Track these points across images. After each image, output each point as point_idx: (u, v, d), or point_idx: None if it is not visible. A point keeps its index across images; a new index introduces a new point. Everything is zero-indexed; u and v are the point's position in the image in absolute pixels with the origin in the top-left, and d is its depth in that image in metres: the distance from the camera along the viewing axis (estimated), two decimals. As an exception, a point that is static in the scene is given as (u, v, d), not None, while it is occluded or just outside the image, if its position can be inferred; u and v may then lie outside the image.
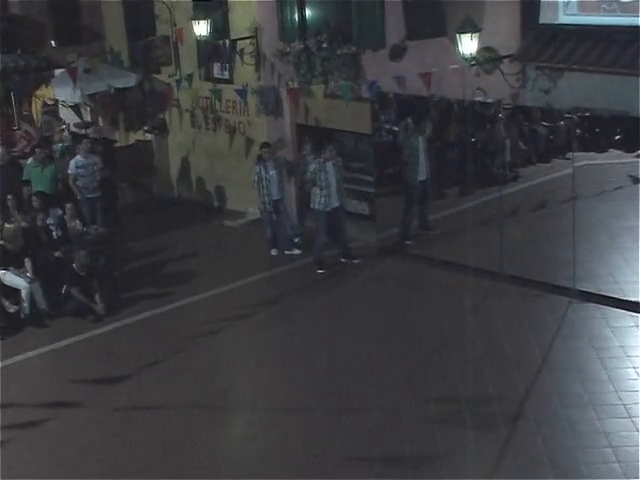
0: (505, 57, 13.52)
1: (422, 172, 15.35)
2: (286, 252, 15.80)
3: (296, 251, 15.77)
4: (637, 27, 12.67)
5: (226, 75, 17.42)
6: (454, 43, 13.59)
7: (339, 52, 15.19)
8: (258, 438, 10.61)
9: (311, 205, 14.95)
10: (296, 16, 16.20)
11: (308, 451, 10.17)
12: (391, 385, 11.37)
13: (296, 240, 15.80)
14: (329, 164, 14.66)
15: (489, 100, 14.79)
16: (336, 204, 14.82)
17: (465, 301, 13.41)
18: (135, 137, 19.58)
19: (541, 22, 13.43)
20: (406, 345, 12.39)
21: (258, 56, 16.65)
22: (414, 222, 15.79)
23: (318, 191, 14.69)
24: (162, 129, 19.06)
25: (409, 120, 15.60)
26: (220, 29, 17.11)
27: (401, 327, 12.94)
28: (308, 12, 16.26)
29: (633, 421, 10.18)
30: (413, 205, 15.60)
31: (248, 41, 16.65)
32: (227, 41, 16.77)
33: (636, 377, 11.09)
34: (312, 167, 14.77)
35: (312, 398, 11.25)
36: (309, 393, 11.40)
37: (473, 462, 9.76)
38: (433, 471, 9.66)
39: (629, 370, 11.29)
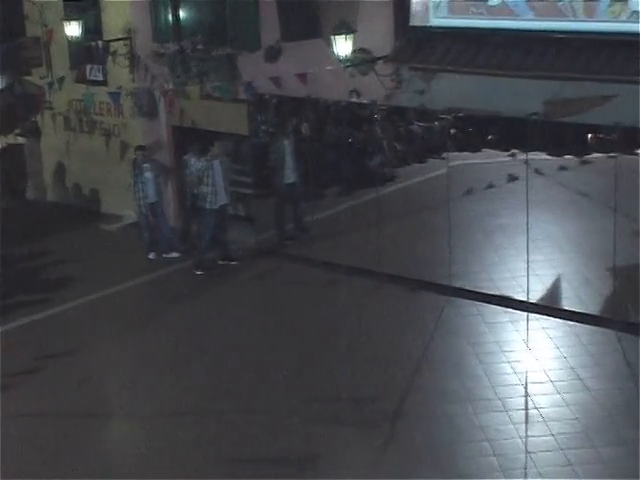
0: (379, 58, 13.66)
1: (289, 175, 15.45)
2: (164, 255, 15.66)
3: (174, 254, 15.65)
4: (505, 30, 12.97)
5: (100, 77, 17.15)
6: (329, 44, 13.67)
7: (214, 53, 15.12)
8: (141, 443, 10.48)
9: (199, 204, 14.92)
10: (170, 17, 16.05)
11: (193, 454, 10.08)
12: (274, 386, 11.37)
13: (179, 243, 15.72)
14: (216, 162, 14.78)
15: (365, 101, 14.89)
16: (224, 202, 14.92)
17: (345, 300, 13.51)
18: (6, 141, 19.09)
19: (412, 24, 13.61)
20: (288, 346, 12.41)
21: (132, 58, 16.43)
22: (288, 223, 15.86)
23: (205, 189, 14.72)
24: (34, 132, 18.63)
25: (276, 122, 15.71)
26: (93, 30, 16.83)
27: (282, 328, 12.95)
28: (182, 13, 16.11)
29: (509, 415, 10.41)
30: (282, 207, 15.70)
31: (122, 42, 16.42)
32: (100, 42, 16.49)
33: (511, 372, 11.35)
34: (199, 165, 14.81)
35: (195, 401, 11.16)
36: (192, 396, 11.31)
37: (356, 460, 9.84)
38: (317, 470, 9.71)
39: (504, 365, 11.54)
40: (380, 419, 10.51)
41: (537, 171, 13.27)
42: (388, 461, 9.78)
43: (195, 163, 15.06)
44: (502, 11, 13.24)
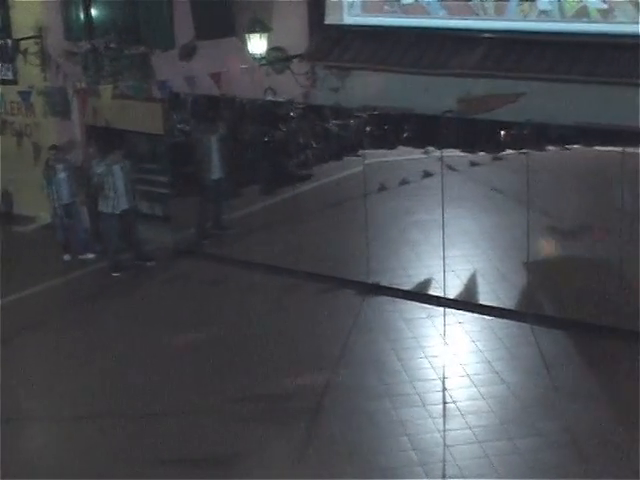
0: (294, 57, 13.70)
1: (215, 171, 15.39)
2: (79, 257, 15.48)
3: (90, 255, 15.47)
4: (418, 28, 13.11)
5: (10, 76, 16.86)
6: (244, 43, 13.66)
7: (127, 52, 15.00)
8: (60, 447, 10.35)
9: (99, 208, 14.77)
10: (82, 15, 15.86)
11: (112, 456, 9.98)
12: (193, 386, 11.31)
13: (94, 244, 15.53)
14: (116, 167, 14.62)
15: (281, 99, 14.91)
16: (125, 206, 14.76)
17: (263, 299, 13.52)
18: None
19: (327, 22, 13.67)
20: (207, 345, 12.36)
21: (43, 56, 16.19)
22: (209, 222, 15.80)
23: (106, 194, 14.57)
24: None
25: (202, 120, 15.59)
26: (1, 28, 16.54)
27: (200, 327, 12.88)
28: (94, 12, 15.95)
29: (427, 409, 10.52)
30: (207, 205, 15.62)
31: (32, 41, 16.17)
32: (9, 40, 16.23)
33: (429, 366, 11.47)
34: (99, 170, 14.64)
35: (114, 403, 11.05)
36: (111, 398, 11.19)
37: (276, 458, 9.84)
38: (238, 470, 9.68)
39: (422, 360, 11.65)
40: (299, 416, 10.53)
41: (452, 168, 13.41)
42: (308, 458, 9.80)
43: (96, 167, 14.88)
44: (415, 9, 13.37)
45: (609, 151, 12.32)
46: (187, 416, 10.68)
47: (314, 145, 17.18)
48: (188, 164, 15.72)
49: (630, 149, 11.84)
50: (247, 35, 13.49)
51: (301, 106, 15.65)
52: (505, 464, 9.47)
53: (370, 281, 13.68)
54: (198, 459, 9.91)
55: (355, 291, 13.61)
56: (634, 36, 11.77)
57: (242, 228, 15.64)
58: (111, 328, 13.10)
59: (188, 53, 14.69)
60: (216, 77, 13.64)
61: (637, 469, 9.25)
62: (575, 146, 12.84)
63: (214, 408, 10.81)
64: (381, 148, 15.65)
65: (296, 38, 13.94)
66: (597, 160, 12.75)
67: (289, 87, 13.95)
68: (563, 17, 12.48)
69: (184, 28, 14.80)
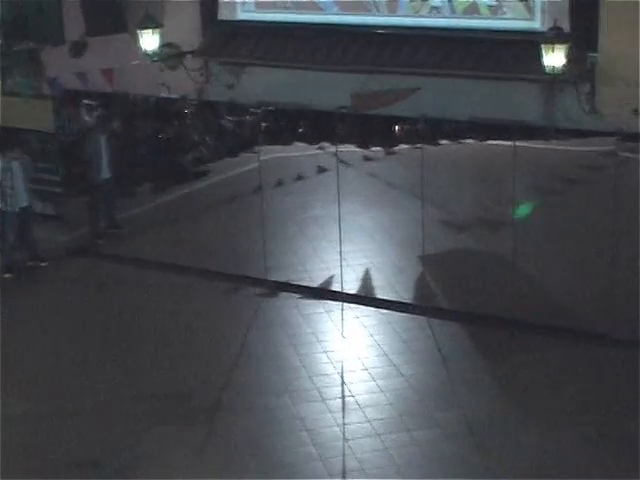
0: (187, 53, 13.61)
1: (105, 170, 15.20)
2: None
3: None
4: (311, 24, 13.16)
5: None
6: (136, 39, 13.51)
7: (16, 48, 14.68)
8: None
9: None
10: (-32, 11, 15.48)
11: (5, 460, 9.77)
12: (91, 387, 11.14)
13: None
14: (15, 163, 14.30)
15: (175, 96, 14.79)
16: (24, 204, 14.47)
17: (160, 298, 13.39)
18: None
19: (220, 19, 13.61)
20: (104, 346, 12.18)
21: None
22: (102, 221, 15.59)
23: (4, 191, 14.26)
24: None
25: (91, 117, 15.37)
26: None
27: (97, 328, 12.69)
28: (-19, 7, 15.57)
29: (326, 404, 10.56)
30: (99, 204, 15.43)
31: None
32: None
33: (327, 361, 11.51)
34: None
35: (11, 406, 10.81)
36: (8, 401, 10.94)
37: (176, 457, 9.74)
38: (138, 471, 9.56)
39: (321, 355, 11.69)
40: (200, 415, 10.47)
41: (347, 163, 13.49)
42: (209, 457, 9.75)
43: None
44: (308, 5, 13.40)
45: (501, 145, 12.54)
46: (86, 417, 10.51)
47: (209, 142, 17.11)
48: (79, 163, 15.48)
49: (521, 143, 12.09)
50: (139, 31, 13.34)
51: (195, 102, 15.56)
52: (404, 456, 9.57)
53: (268, 278, 13.66)
54: (97, 461, 9.77)
55: (253, 288, 13.58)
56: (522, 32, 12.00)
57: (137, 226, 15.46)
58: (6, 331, 12.81)
59: (79, 49, 14.46)
60: (108, 73, 13.46)
61: (533, 456, 9.47)
62: (468, 140, 13.03)
63: (112, 409, 10.66)
64: (277, 144, 15.67)
65: (189, 34, 13.86)
66: (489, 154, 12.98)
67: (183, 83, 13.84)
68: (454, 13, 12.66)
69: (74, 24, 14.55)
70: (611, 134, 11.21)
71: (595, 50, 11.26)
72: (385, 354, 11.64)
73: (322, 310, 12.91)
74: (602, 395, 10.55)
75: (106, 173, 15.23)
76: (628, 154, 11.23)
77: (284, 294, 13.39)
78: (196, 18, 13.86)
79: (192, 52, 13.73)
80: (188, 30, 13.81)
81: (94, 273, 14.51)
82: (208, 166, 16.89)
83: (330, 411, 10.45)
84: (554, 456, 9.47)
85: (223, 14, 13.82)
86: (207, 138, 16.94)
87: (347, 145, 13.72)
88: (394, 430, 10.03)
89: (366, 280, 13.54)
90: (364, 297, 13.17)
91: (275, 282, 13.61)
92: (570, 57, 11.17)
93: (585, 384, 10.80)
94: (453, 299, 12.86)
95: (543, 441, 9.70)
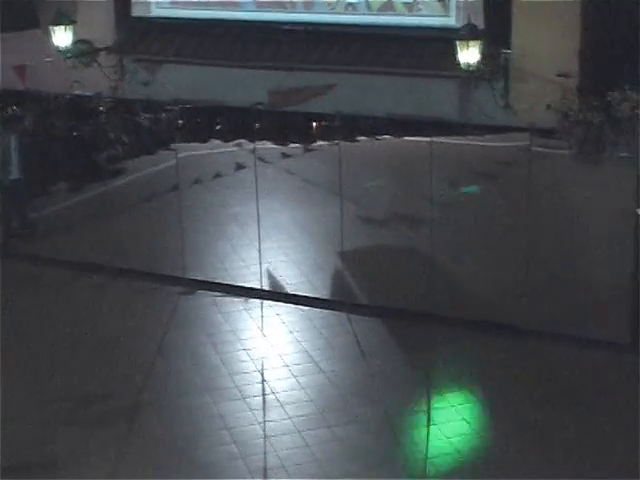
0: (101, 50, 13.45)
1: (14, 171, 14.94)
2: None
3: None
4: (226, 21, 13.10)
5: None
6: (48, 36, 13.29)
7: None
8: None
9: None
10: None
11: None
12: (5, 390, 10.93)
13: None
14: None
15: (89, 93, 14.57)
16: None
17: (76, 297, 13.20)
18: None
19: (134, 15, 13.48)
20: (18, 348, 11.96)
21: None
22: (14, 221, 15.31)
23: None
24: None
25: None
26: None
27: (10, 329, 12.46)
28: None
29: (246, 402, 10.53)
30: (9, 205, 15.14)
31: None
32: None
33: (247, 359, 11.48)
34: None
35: None
36: None
37: (95, 460, 9.61)
38: (56, 474, 9.41)
39: (240, 353, 11.65)
40: (118, 416, 10.34)
41: (265, 160, 13.45)
42: (129, 458, 9.64)
43: None
44: (224, 2, 13.33)
45: (418, 141, 12.62)
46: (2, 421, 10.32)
47: (125, 139, 16.89)
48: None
49: (438, 138, 12.19)
50: (51, 27, 13.12)
51: (110, 100, 15.34)
52: (325, 452, 9.59)
53: (186, 276, 13.57)
54: (15, 465, 9.59)
55: (172, 286, 13.47)
56: (438, 29, 12.11)
57: (52, 226, 15.21)
58: None
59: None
60: (20, 70, 13.21)
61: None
62: (385, 136, 13.08)
63: (31, 412, 10.47)
64: (194, 141, 15.52)
65: (103, 31, 13.69)
66: (407, 150, 13.04)
67: (97, 81, 13.66)
68: (370, 10, 12.71)
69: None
70: (525, 129, 11.39)
71: (508, 47, 11.41)
72: (305, 351, 11.65)
73: (241, 308, 12.87)
74: (521, 387, 10.71)
75: (15, 174, 14.98)
76: (541, 149, 11.41)
77: (203, 292, 13.32)
78: (110, 14, 13.70)
79: (106, 49, 13.56)
80: (102, 26, 13.65)
81: (6, 273, 14.23)
82: (124, 164, 16.67)
83: (250, 409, 10.42)
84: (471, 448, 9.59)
85: (137, 10, 13.69)
86: (123, 136, 16.74)
87: (265, 142, 13.67)
88: (315, 426, 10.04)
89: (285, 277, 13.53)
90: (284, 294, 13.16)
91: (193, 280, 13.53)
92: (484, 54, 11.30)
93: (504, 376, 10.95)
94: (373, 295, 12.92)
95: (462, 434, 9.79)
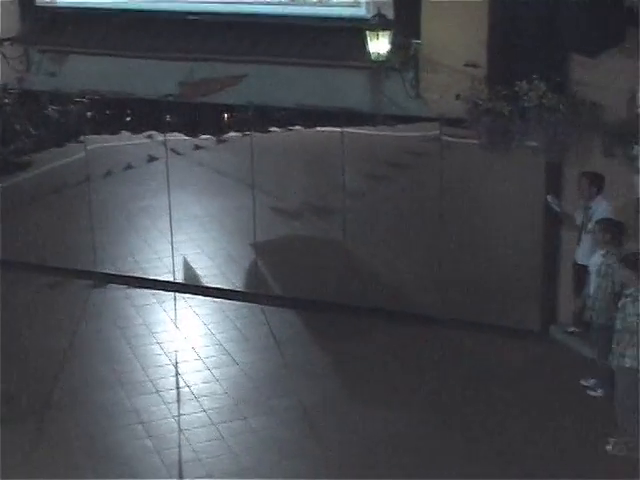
0: (5, 40, 13.16)
1: None
2: None
3: None
4: (137, 11, 12.93)
5: None
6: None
7: None
8: None
9: None
10: None
11: None
12: None
13: None
14: None
15: (-6, 85, 14.28)
16: None
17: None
18: None
19: (39, 4, 13.23)
20: None
21: None
22: None
23: None
24: None
25: None
26: None
27: None
28: None
29: (160, 395, 10.45)
30: None
31: None
32: None
33: (161, 352, 11.40)
34: None
35: None
36: None
37: (7, 461, 9.41)
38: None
39: (154, 346, 11.56)
40: (28, 414, 10.16)
41: (177, 152, 13.35)
42: (39, 457, 9.46)
43: None
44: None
45: (329, 132, 12.64)
46: None
47: (32, 132, 16.60)
48: None
49: (349, 129, 12.23)
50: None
51: (16, 91, 15.05)
52: (240, 444, 9.57)
53: (98, 269, 13.41)
54: None
55: (82, 280, 13.30)
56: (348, 19, 12.11)
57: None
58: None
59: None
60: None
61: (366, 438, 9.63)
62: (297, 127, 13.08)
63: None
64: (104, 133, 15.33)
65: (7, 21, 13.38)
66: (318, 141, 13.06)
67: (3, 72, 13.37)
68: (280, 1, 12.67)
69: None
70: (435, 119, 11.49)
71: (418, 37, 11.48)
72: (219, 343, 11.61)
73: (154, 301, 12.77)
74: (434, 375, 10.83)
75: None
76: (451, 138, 11.53)
77: (115, 286, 13.18)
78: (14, 4, 13.41)
79: (10, 39, 13.28)
80: (6, 16, 13.35)
81: None
82: (32, 157, 16.39)
83: (165, 402, 10.35)
84: (387, 437, 9.65)
85: (42, 0, 13.43)
86: (30, 128, 16.44)
87: (176, 134, 13.57)
88: (230, 419, 10.02)
89: (198, 269, 13.46)
90: (197, 286, 13.10)
91: (105, 274, 13.38)
92: (394, 44, 11.35)
93: (417, 365, 11.05)
94: (286, 286, 12.93)
95: (376, 423, 9.87)
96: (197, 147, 13.33)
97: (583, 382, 10.36)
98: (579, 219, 10.82)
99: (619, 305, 9.09)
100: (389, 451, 9.42)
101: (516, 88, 10.36)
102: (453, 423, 9.85)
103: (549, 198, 10.99)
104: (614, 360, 9.10)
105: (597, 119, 10.46)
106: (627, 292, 9.02)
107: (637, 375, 8.95)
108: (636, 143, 10.19)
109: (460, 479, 8.93)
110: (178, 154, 13.25)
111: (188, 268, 13.41)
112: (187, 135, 13.58)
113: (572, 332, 11.27)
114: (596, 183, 10.55)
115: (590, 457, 9.19)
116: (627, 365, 8.97)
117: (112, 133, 15.93)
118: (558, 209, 10.98)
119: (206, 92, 12.45)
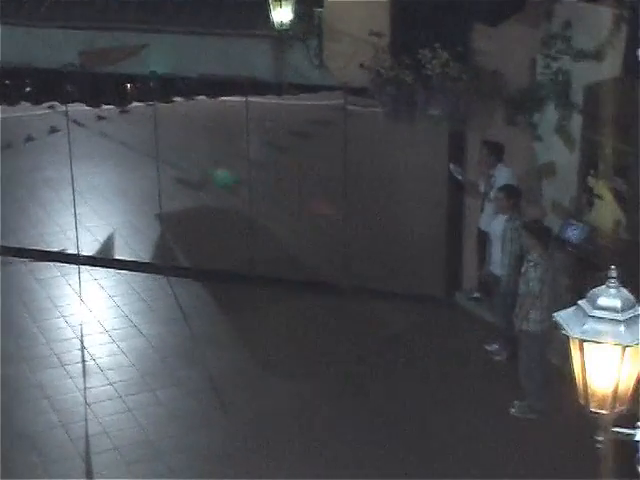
0: None
1: None
2: None
3: None
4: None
5: None
6: None
7: None
8: None
9: None
10: None
11: None
12: None
13: None
14: None
15: None
16: None
17: None
18: None
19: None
20: None
21: None
22: None
23: None
24: None
25: None
26: None
27: None
28: None
29: (66, 369, 10.32)
30: None
31: None
32: None
33: (65, 326, 11.24)
34: None
35: None
36: None
37: None
38: None
39: (58, 320, 11.39)
40: None
41: (79, 123, 13.11)
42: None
43: None
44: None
45: (234, 101, 12.57)
46: None
47: None
48: None
49: (253, 98, 12.17)
50: None
51: None
52: (147, 416, 9.52)
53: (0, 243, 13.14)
54: None
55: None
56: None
57: None
58: None
59: None
60: None
61: (272, 407, 9.66)
62: (201, 97, 12.97)
63: None
64: (2, 104, 15.00)
65: None
66: (222, 110, 13.00)
67: None
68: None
69: None
70: (339, 88, 11.50)
71: (321, 6, 11.45)
72: (125, 315, 11.50)
73: (58, 274, 12.56)
74: (342, 342, 10.90)
75: None
76: (356, 107, 11.56)
77: (17, 259, 12.92)
78: None
79: None
80: None
81: None
82: None
83: (70, 376, 10.23)
84: (293, 407, 9.70)
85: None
86: None
87: (78, 104, 13.33)
88: (137, 391, 9.95)
89: (103, 241, 13.30)
90: (102, 259, 12.94)
91: (7, 247, 13.10)
92: (297, 13, 11.30)
93: (326, 334, 11.10)
94: (193, 257, 12.85)
95: (282, 393, 9.90)
96: (99, 118, 13.11)
97: (487, 347, 10.53)
98: (482, 187, 10.96)
99: (522, 270, 9.26)
100: (294, 421, 9.47)
101: (419, 57, 10.40)
102: (358, 391, 9.93)
103: (451, 167, 11.11)
104: (517, 324, 9.28)
105: (498, 88, 10.59)
106: (530, 258, 9.19)
107: (539, 338, 9.16)
108: (537, 111, 10.36)
109: (364, 445, 9.04)
110: (80, 125, 13.01)
111: (92, 240, 13.23)
112: (89, 106, 13.36)
113: (476, 298, 11.43)
114: (496, 152, 10.68)
115: (495, 419, 9.38)
116: (530, 329, 9.16)
117: (11, 104, 15.60)
118: (461, 177, 11.11)
119: (108, 62, 12.24)
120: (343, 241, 11.96)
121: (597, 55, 9.41)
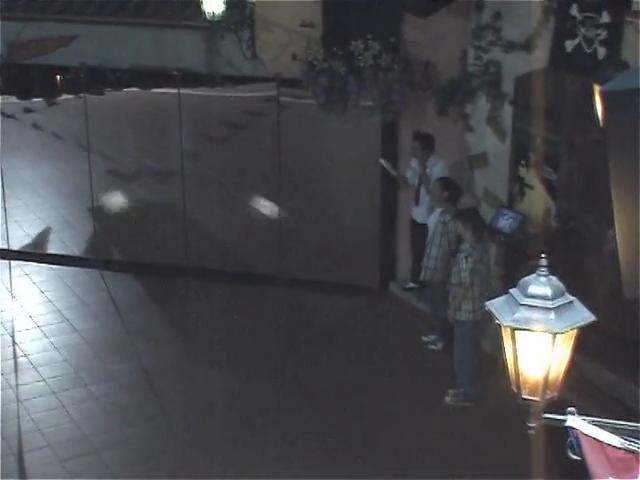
0: None
1: None
2: None
3: None
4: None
5: None
6: None
7: None
8: None
9: None
10: None
11: None
12: None
13: None
14: None
15: None
16: None
17: None
18: None
19: None
20: None
21: None
22: None
23: None
24: None
25: None
26: None
27: None
28: None
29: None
30: None
31: None
32: None
33: (-3, 322, 11.10)
34: None
35: None
36: None
37: None
38: None
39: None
40: None
41: (7, 115, 12.91)
42: None
43: None
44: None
45: (165, 93, 12.46)
46: None
47: None
48: None
49: (185, 90, 12.08)
50: None
51: None
52: (81, 411, 9.44)
53: None
54: None
55: None
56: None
57: None
58: None
59: None
60: None
61: (204, 398, 9.62)
62: (132, 89, 12.84)
63: None
64: None
65: None
66: (154, 102, 12.86)
67: None
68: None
69: None
70: (272, 79, 11.46)
71: (252, -4, 11.40)
72: (58, 310, 11.37)
73: (-5, 268, 12.39)
74: (275, 333, 10.91)
75: None
76: (289, 99, 11.53)
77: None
78: None
79: None
80: None
81: None
82: None
83: (2, 373, 10.09)
84: (228, 398, 9.68)
85: None
86: None
87: (6, 96, 13.12)
88: (70, 387, 9.85)
89: (34, 235, 13.11)
90: (33, 253, 12.77)
91: None
92: (229, 3, 11.23)
93: (259, 325, 11.10)
94: (125, 250, 12.73)
95: (216, 385, 9.88)
96: (28, 110, 12.92)
97: (424, 338, 10.58)
98: (412, 179, 11.00)
99: (455, 261, 9.33)
100: (230, 413, 9.45)
101: (352, 48, 10.41)
102: (293, 382, 9.94)
103: (382, 162, 11.15)
104: (450, 314, 9.36)
105: (430, 78, 10.65)
106: (462, 248, 9.26)
107: (472, 328, 9.24)
108: (468, 102, 10.44)
109: (300, 435, 9.05)
110: (9, 117, 12.81)
111: (23, 235, 13.04)
112: (18, 98, 13.16)
113: (411, 288, 11.49)
114: (427, 144, 10.74)
115: (429, 409, 9.45)
116: (463, 318, 9.24)
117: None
118: (392, 172, 11.15)
119: (36, 53, 12.07)
120: (278, 232, 11.95)
121: (527, 46, 9.53)
